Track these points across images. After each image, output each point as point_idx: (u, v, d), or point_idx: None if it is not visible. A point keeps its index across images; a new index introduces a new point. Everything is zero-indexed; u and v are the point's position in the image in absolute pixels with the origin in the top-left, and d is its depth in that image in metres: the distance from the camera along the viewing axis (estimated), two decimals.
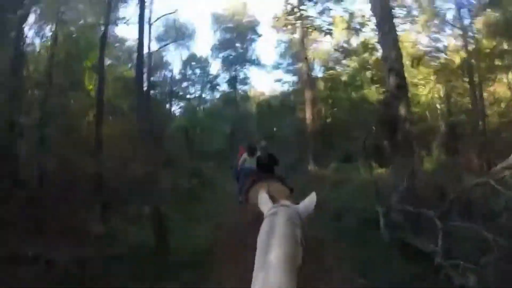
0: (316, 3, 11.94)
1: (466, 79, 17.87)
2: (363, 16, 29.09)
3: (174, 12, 23.46)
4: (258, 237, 1.72)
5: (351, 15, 28.37)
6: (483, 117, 15.80)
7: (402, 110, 8.86)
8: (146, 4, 20.85)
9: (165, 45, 30.28)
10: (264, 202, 2.06)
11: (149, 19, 20.76)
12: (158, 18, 22.17)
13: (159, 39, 31.41)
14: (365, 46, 28.76)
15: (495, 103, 17.43)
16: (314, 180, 15.72)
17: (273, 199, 2.28)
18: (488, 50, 16.77)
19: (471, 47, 17.31)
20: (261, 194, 2.17)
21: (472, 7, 17.69)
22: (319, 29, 12.12)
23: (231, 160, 16.40)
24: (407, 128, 8.87)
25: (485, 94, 17.08)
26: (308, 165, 18.20)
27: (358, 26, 29.58)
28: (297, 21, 21.10)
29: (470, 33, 17.63)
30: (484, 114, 16.07)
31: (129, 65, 26.31)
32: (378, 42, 10.69)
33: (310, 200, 1.99)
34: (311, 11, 30.43)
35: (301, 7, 20.11)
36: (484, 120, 15.76)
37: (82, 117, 13.72)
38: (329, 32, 12.12)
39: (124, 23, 23.62)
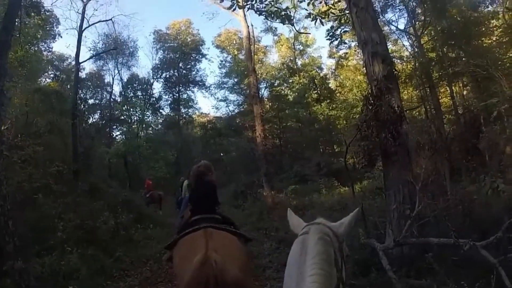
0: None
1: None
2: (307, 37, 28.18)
3: (109, 20, 20.06)
4: (289, 257, 1.73)
5: (296, 36, 27.12)
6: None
7: (396, 106, 6.28)
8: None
9: (101, 53, 26.77)
10: (295, 222, 1.93)
11: (80, 27, 17.25)
12: (92, 24, 18.72)
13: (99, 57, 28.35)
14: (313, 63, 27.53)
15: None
16: (273, 208, 13.03)
17: (211, 268, 2.45)
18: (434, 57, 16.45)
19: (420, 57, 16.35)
20: (290, 214, 2.01)
21: (421, 19, 16.79)
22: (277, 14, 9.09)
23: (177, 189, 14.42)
24: (404, 129, 6.32)
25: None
26: (262, 190, 15.43)
27: (301, 47, 28.47)
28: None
29: (419, 43, 16.61)
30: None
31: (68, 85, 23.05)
32: (351, 25, 8.00)
33: (349, 217, 1.85)
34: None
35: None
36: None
37: None
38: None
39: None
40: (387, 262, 5.22)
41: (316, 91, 26.35)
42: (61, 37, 21.89)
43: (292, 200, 14.19)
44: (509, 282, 3.78)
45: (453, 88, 17.23)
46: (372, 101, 6.65)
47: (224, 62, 30.20)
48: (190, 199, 4.16)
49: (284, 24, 10.06)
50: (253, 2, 9.37)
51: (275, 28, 27.22)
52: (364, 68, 7.80)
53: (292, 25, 11.09)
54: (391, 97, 6.47)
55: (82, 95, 26.17)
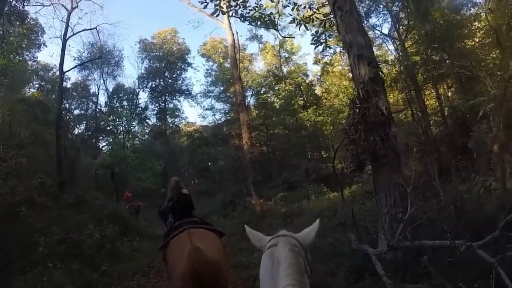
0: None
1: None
2: (293, 43, 28.27)
3: (93, 29, 19.81)
4: (260, 271, 1.69)
5: (281, 43, 27.21)
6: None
7: (384, 108, 6.17)
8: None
9: (86, 62, 26.27)
10: (256, 237, 1.92)
11: (64, 36, 16.89)
12: (77, 33, 18.37)
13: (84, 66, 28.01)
14: (299, 70, 27.57)
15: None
16: (262, 216, 12.80)
17: (199, 252, 3.15)
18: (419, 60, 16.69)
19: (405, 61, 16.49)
20: (249, 230, 1.98)
21: (404, 24, 16.95)
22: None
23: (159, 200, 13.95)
24: (392, 132, 6.20)
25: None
26: (250, 198, 15.18)
27: (287, 54, 28.51)
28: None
29: (403, 47, 16.72)
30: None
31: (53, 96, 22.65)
32: (336, 29, 7.89)
33: (312, 227, 1.85)
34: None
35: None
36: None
37: None
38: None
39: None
40: (381, 267, 5.06)
41: (302, 98, 26.32)
42: (46, 46, 21.75)
43: (281, 208, 13.99)
44: (509, 281, 3.66)
45: (438, 90, 17.42)
46: (359, 104, 6.53)
47: (210, 71, 30.04)
48: (171, 209, 4.84)
49: (268, 29, 9.99)
50: (237, 7, 9.24)
51: (261, 36, 27.35)
52: (350, 72, 7.70)
53: (277, 30, 10.98)
54: (378, 99, 6.35)
55: (67, 105, 25.84)
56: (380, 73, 6.91)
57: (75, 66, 24.45)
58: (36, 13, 16.58)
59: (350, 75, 22.92)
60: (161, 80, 31.23)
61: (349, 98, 21.71)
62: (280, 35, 14.82)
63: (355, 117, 6.44)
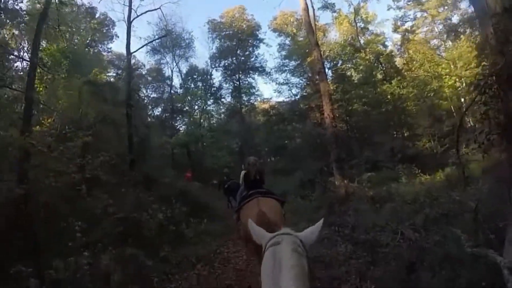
0: None
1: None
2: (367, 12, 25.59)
3: (157, 9, 19.02)
4: (262, 269, 1.62)
5: (356, 10, 24.72)
6: None
7: None
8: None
9: (152, 41, 25.92)
10: (258, 232, 1.86)
11: (128, 18, 16.35)
12: (141, 14, 17.63)
13: (154, 50, 28.59)
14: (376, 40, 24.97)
15: None
16: (345, 199, 10.90)
17: (264, 216, 3.25)
18: None
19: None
20: (251, 224, 1.94)
21: None
22: None
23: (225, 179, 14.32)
24: None
25: None
26: (332, 178, 13.27)
27: (362, 24, 25.83)
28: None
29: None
30: None
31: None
32: None
33: (315, 228, 1.79)
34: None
35: None
36: None
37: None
38: None
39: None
40: None
41: (381, 70, 23.67)
42: (118, 37, 22.77)
43: (368, 191, 11.66)
44: None
45: None
46: (492, 48, 4.60)
47: (283, 45, 28.50)
48: (248, 182, 5.26)
49: None
50: None
51: (333, 3, 25.00)
52: (471, 6, 5.62)
53: None
54: None
55: (142, 88, 26.36)
56: None
57: (143, 46, 24.72)
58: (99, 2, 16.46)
59: (435, 41, 20.22)
60: (234, 58, 30.54)
61: (435, 69, 19.03)
62: None
63: (491, 66, 4.51)
